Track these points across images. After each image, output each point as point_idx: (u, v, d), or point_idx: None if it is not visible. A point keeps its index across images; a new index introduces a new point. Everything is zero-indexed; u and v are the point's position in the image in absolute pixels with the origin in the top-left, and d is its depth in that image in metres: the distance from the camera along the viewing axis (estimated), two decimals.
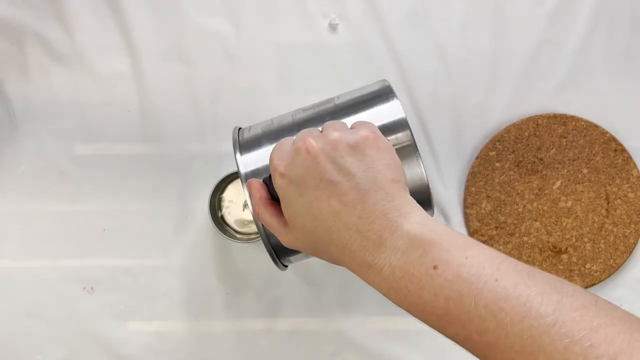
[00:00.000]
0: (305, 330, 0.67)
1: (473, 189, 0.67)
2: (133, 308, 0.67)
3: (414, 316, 0.35)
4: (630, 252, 0.66)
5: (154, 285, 0.67)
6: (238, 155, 0.45)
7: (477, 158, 0.67)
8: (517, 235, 0.66)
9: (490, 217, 0.66)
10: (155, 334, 0.67)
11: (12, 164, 0.68)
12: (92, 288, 0.67)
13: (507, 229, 0.66)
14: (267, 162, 0.41)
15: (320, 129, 0.40)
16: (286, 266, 0.48)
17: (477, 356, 0.33)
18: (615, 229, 0.66)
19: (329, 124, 0.40)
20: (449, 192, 0.68)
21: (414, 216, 0.36)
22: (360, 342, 0.66)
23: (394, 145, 0.42)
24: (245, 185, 0.43)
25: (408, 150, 0.43)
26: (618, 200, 0.66)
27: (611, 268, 0.66)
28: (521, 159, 0.67)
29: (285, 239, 0.41)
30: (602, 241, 0.66)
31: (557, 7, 0.68)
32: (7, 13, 0.68)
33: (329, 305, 0.67)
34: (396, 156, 0.38)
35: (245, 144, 0.46)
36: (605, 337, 0.29)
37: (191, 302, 0.67)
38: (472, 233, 0.67)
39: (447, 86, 0.68)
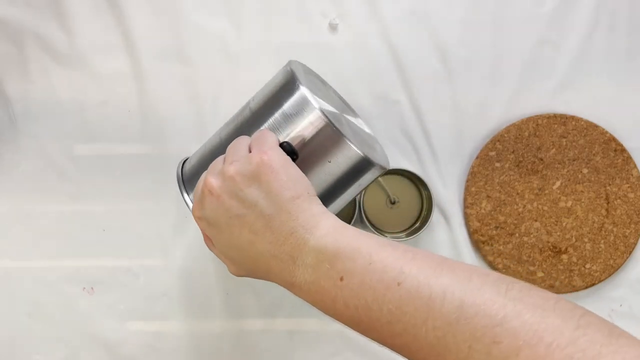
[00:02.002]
0: (305, 330, 0.67)
1: (473, 189, 0.67)
2: (133, 308, 0.67)
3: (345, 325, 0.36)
4: (630, 252, 0.66)
5: (153, 285, 0.67)
6: (185, 195, 0.47)
7: (477, 158, 0.67)
8: (517, 235, 0.66)
9: (490, 217, 0.66)
10: (155, 334, 0.67)
11: (12, 163, 0.68)
12: (92, 288, 0.67)
13: (507, 229, 0.66)
14: None
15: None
16: None
17: (402, 357, 0.33)
18: (615, 229, 0.66)
19: (229, 149, 0.41)
20: (449, 192, 0.68)
21: (319, 229, 0.36)
22: (360, 342, 0.66)
23: (314, 132, 0.43)
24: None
25: (327, 132, 0.43)
26: (618, 200, 0.66)
27: (611, 268, 0.66)
28: (521, 159, 0.67)
29: (231, 270, 0.43)
30: (602, 241, 0.66)
31: (557, 7, 0.68)
32: (7, 13, 0.68)
33: None
34: (292, 170, 0.39)
35: (188, 179, 0.47)
36: (509, 331, 0.28)
37: (191, 302, 0.67)
38: (472, 233, 0.67)
39: (447, 86, 0.68)
